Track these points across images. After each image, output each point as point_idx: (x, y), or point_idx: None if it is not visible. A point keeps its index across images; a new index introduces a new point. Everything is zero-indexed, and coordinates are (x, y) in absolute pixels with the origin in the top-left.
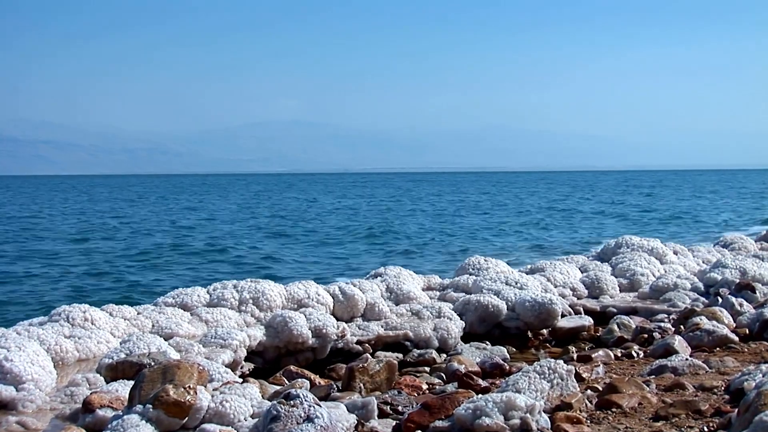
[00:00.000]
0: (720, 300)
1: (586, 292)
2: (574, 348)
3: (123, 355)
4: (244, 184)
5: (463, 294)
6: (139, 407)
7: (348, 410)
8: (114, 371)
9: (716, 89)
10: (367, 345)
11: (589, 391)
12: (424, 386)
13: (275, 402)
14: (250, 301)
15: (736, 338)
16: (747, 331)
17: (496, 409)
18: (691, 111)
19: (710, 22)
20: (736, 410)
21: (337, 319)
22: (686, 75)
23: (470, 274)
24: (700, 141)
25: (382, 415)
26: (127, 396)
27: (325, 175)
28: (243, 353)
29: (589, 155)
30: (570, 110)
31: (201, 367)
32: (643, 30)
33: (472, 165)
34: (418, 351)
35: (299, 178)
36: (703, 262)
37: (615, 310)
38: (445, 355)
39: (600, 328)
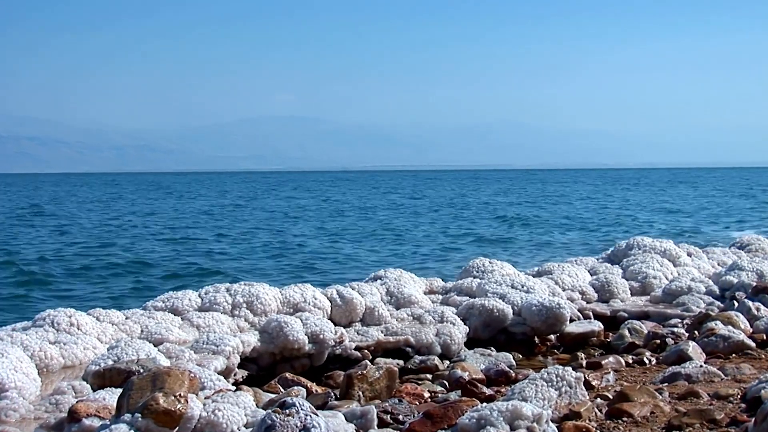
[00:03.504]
0: (736, 304)
1: (596, 295)
2: (583, 354)
3: (110, 362)
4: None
5: (467, 298)
6: (127, 416)
7: (346, 419)
8: (101, 378)
9: (735, 83)
10: (366, 351)
11: (598, 400)
12: (426, 394)
13: (270, 411)
14: (244, 305)
15: (753, 344)
16: (764, 337)
17: (502, 419)
18: (707, 106)
19: (730, 12)
20: (753, 419)
21: (335, 324)
22: (703, 68)
23: (474, 277)
24: (716, 137)
25: (382, 424)
26: (114, 405)
27: (335, 173)
28: (236, 360)
29: (599, 152)
30: (580, 105)
31: (192, 375)
32: (657, 22)
33: (479, 163)
34: (420, 357)
35: (305, 176)
36: (719, 264)
37: (626, 315)
38: (448, 362)
39: (610, 334)
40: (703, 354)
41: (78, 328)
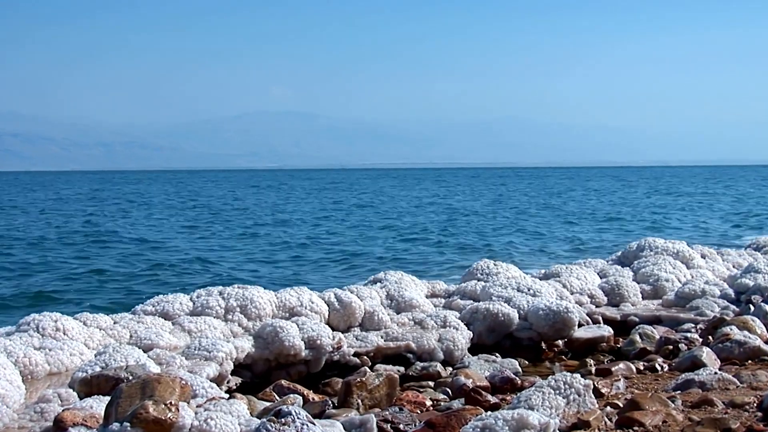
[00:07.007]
0: (752, 308)
1: (606, 299)
2: (592, 360)
3: (98, 369)
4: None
5: (471, 301)
6: (115, 425)
7: (345, 428)
8: (88, 386)
9: (750, 76)
10: (365, 357)
11: (608, 408)
12: (428, 402)
13: (265, 420)
14: (238, 309)
15: None
16: None
17: (507, 428)
18: (721, 100)
19: (740, 5)
20: None
21: (333, 329)
22: (716, 61)
23: (479, 280)
24: (731, 133)
25: None
26: (102, 413)
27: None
28: (229, 366)
29: (608, 150)
30: (587, 100)
31: (183, 382)
32: (668, 13)
33: (482, 160)
34: (422, 364)
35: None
36: (734, 267)
37: (637, 319)
38: (450, 369)
39: (620, 339)
40: (718, 360)
41: (64, 333)
